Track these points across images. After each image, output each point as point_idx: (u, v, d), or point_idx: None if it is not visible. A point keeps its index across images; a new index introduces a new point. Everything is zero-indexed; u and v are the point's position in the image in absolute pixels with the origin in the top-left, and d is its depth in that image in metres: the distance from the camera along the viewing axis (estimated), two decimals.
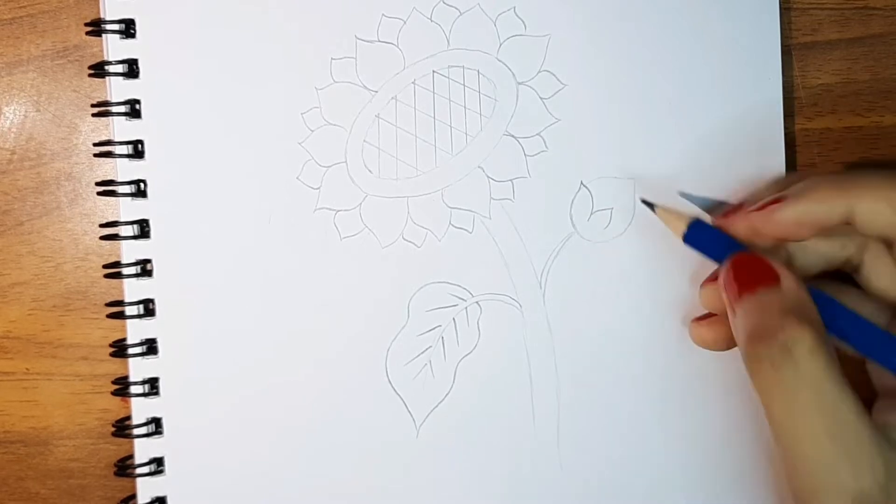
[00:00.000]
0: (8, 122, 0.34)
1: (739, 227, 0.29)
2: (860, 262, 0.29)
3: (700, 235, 0.30)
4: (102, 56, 0.33)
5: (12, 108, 0.34)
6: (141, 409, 0.33)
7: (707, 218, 0.31)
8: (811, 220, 0.27)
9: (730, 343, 0.30)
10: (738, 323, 0.27)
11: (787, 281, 0.26)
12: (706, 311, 0.32)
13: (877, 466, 0.23)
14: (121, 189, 0.33)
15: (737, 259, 0.28)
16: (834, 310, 0.27)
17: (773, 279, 0.26)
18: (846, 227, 0.27)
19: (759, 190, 0.31)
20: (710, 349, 0.32)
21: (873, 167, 0.29)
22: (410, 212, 0.33)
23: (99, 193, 0.33)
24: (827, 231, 0.28)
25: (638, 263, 0.33)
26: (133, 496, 0.33)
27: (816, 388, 0.24)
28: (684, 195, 0.32)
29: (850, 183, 0.27)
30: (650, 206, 0.32)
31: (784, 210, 0.27)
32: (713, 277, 0.31)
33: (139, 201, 0.33)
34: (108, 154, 0.33)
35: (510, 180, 0.33)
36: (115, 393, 0.33)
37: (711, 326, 0.31)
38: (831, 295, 0.28)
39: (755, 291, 0.26)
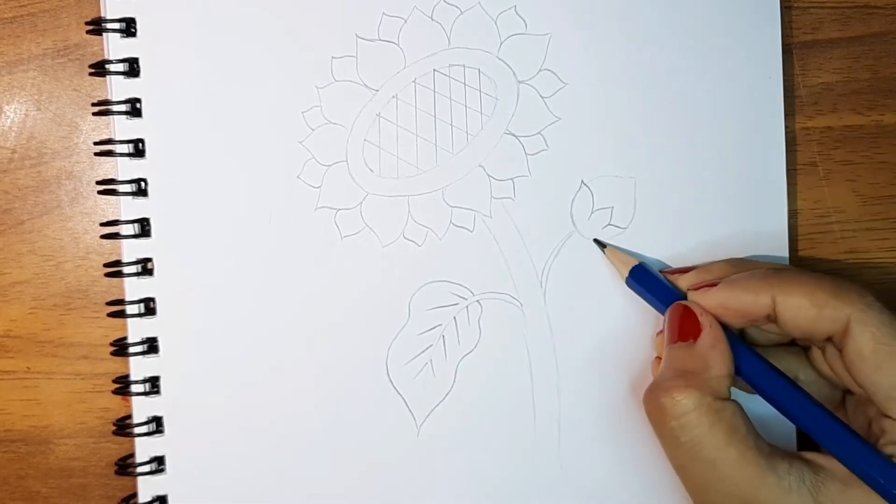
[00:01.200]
0: (9, 120, 0.34)
1: (683, 283, 0.31)
2: (808, 347, 0.31)
3: (642, 281, 0.31)
4: (103, 55, 0.33)
5: (13, 106, 0.34)
6: (142, 408, 0.33)
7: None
8: (735, 307, 0.29)
9: None
10: (657, 370, 0.29)
11: (704, 338, 0.28)
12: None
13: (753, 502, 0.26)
14: (121, 188, 0.33)
15: (674, 306, 0.30)
16: (757, 368, 0.29)
17: (693, 332, 0.29)
18: (770, 324, 0.29)
19: (711, 263, 0.31)
20: None
21: (799, 268, 0.31)
22: (411, 210, 0.33)
23: (100, 192, 0.33)
24: (755, 322, 0.29)
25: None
26: (134, 495, 0.33)
27: (692, 445, 0.27)
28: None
29: (779, 277, 0.28)
30: (601, 245, 0.33)
31: (712, 294, 0.29)
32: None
33: (140, 200, 0.33)
34: (109, 153, 0.33)
35: (511, 179, 0.33)
36: (115, 392, 0.33)
37: None
38: (794, 363, 0.30)
39: (676, 342, 0.29)
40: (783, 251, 0.33)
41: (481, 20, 0.33)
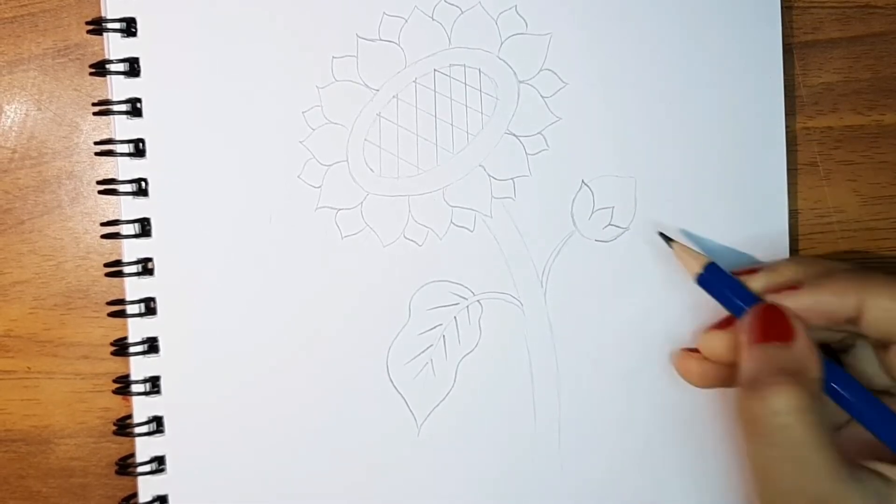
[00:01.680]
0: (9, 120, 0.34)
1: (756, 284, 0.30)
2: (851, 346, 0.31)
3: (713, 279, 0.30)
4: (103, 55, 0.33)
5: (13, 106, 0.34)
6: (142, 408, 0.33)
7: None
8: (823, 309, 0.28)
9: (711, 383, 0.32)
10: (744, 367, 0.28)
11: (800, 341, 0.28)
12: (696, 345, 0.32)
13: None
14: (122, 188, 0.33)
15: (764, 308, 0.29)
16: (841, 378, 0.28)
17: (788, 336, 0.28)
18: (849, 324, 0.29)
19: (778, 262, 0.31)
20: (690, 381, 0.32)
21: (877, 272, 0.30)
22: (412, 210, 0.33)
23: (100, 192, 0.33)
24: (836, 324, 0.29)
25: (639, 261, 0.33)
26: (134, 495, 0.33)
27: (792, 446, 0.26)
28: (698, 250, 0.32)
29: (866, 280, 0.28)
30: (668, 241, 0.32)
31: (800, 297, 0.29)
32: (719, 325, 0.31)
33: (140, 200, 0.33)
34: (110, 153, 0.33)
35: (511, 179, 0.33)
36: (116, 391, 0.33)
37: (700, 362, 0.32)
38: (851, 357, 0.30)
39: (768, 342, 0.28)
40: (784, 251, 0.33)
41: (482, 20, 0.33)
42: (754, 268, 0.31)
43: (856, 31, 0.34)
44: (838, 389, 0.28)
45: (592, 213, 0.33)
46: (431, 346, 0.33)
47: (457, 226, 0.33)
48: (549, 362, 0.33)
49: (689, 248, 0.32)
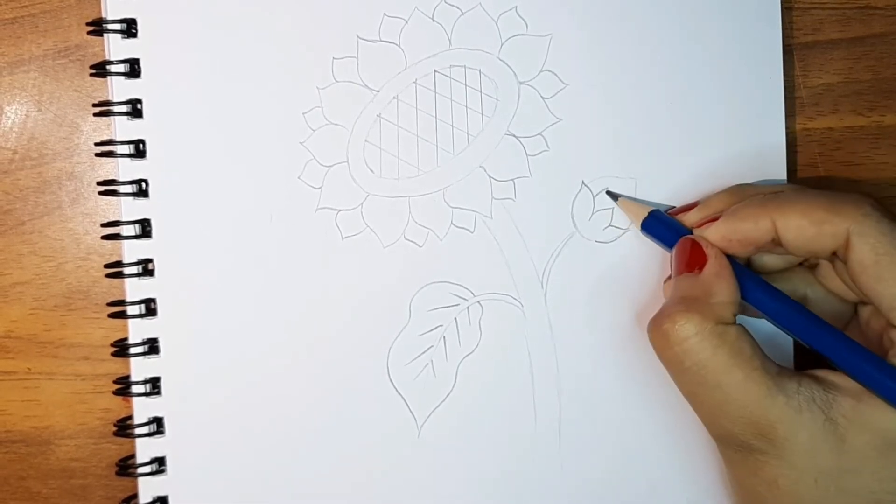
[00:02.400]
0: (9, 121, 0.34)
1: (690, 219, 0.31)
2: (816, 265, 0.31)
3: (657, 225, 0.31)
4: (104, 56, 0.33)
5: (14, 107, 0.34)
6: (142, 409, 0.33)
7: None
8: (739, 236, 0.29)
9: None
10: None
11: (709, 267, 0.29)
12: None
13: (760, 422, 0.27)
14: (122, 189, 0.33)
15: (681, 241, 0.30)
16: (764, 292, 0.29)
17: (699, 262, 0.29)
18: (777, 247, 0.29)
19: (713, 195, 0.31)
20: None
21: (796, 187, 0.31)
22: (412, 211, 0.33)
23: (100, 193, 0.33)
24: (762, 248, 0.29)
25: (639, 263, 0.33)
26: (134, 496, 0.33)
27: (697, 369, 0.27)
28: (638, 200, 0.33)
29: (776, 202, 0.28)
30: (613, 197, 0.33)
31: (715, 228, 0.29)
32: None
33: (140, 201, 0.33)
34: (110, 154, 0.33)
35: (511, 180, 0.33)
36: (116, 392, 0.33)
37: None
38: (801, 283, 0.31)
39: (682, 273, 0.29)
40: None
41: (482, 21, 0.33)
42: (691, 204, 0.32)
43: (856, 32, 0.34)
44: (761, 305, 0.29)
45: (593, 214, 0.33)
46: (432, 346, 0.33)
47: (457, 227, 0.33)
48: (549, 363, 0.33)
49: (633, 200, 0.33)
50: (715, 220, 0.30)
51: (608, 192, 0.33)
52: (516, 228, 0.33)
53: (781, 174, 0.33)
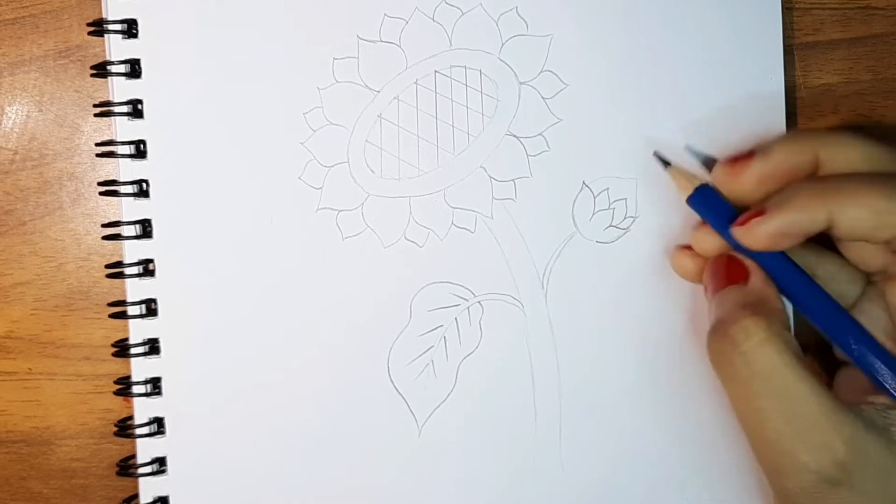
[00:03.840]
0: (10, 122, 0.34)
1: (749, 177, 0.29)
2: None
3: (704, 200, 0.31)
4: (105, 56, 0.33)
5: (15, 108, 0.34)
6: (143, 409, 0.33)
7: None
8: (794, 231, 0.27)
9: (703, 278, 0.31)
10: (710, 316, 0.29)
11: (755, 278, 0.28)
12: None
13: (835, 445, 0.25)
14: (123, 189, 0.33)
15: (716, 259, 0.30)
16: (803, 286, 0.29)
17: (741, 276, 0.28)
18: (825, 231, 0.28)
19: (772, 145, 0.29)
20: (685, 277, 0.32)
21: (850, 173, 0.28)
22: (413, 212, 0.33)
23: (101, 193, 0.33)
24: (810, 236, 0.28)
25: (640, 263, 0.33)
26: (135, 496, 0.33)
27: (768, 375, 0.25)
28: (690, 149, 0.32)
29: (832, 190, 0.27)
30: (665, 163, 0.32)
31: (767, 224, 0.27)
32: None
33: (141, 201, 0.33)
34: (111, 154, 0.33)
35: (512, 180, 0.33)
36: (117, 393, 0.33)
37: (693, 258, 0.31)
38: (810, 261, 0.30)
39: (727, 286, 0.28)
40: None
41: (483, 21, 0.33)
42: (746, 154, 0.29)
43: (856, 33, 0.34)
44: (798, 298, 0.28)
45: (593, 214, 0.33)
46: (432, 347, 0.33)
47: (458, 227, 0.33)
48: (549, 363, 0.33)
49: (684, 170, 0.32)
50: (760, 214, 0.28)
51: (656, 155, 0.32)
52: (517, 229, 0.33)
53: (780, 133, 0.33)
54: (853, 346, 0.27)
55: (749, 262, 0.29)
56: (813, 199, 0.27)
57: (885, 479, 0.25)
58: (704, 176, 0.32)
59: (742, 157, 0.29)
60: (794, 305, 0.29)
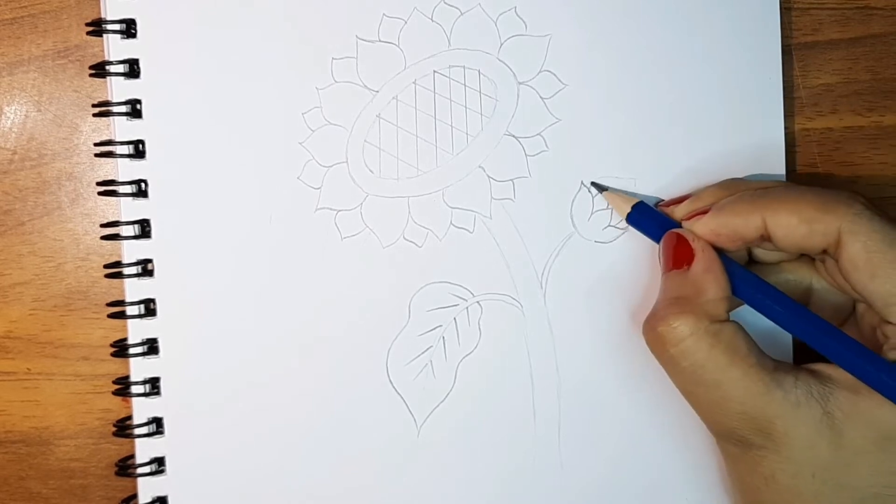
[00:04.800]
0: (9, 122, 0.34)
1: (679, 213, 0.31)
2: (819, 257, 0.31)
3: (642, 217, 0.31)
4: (103, 56, 0.33)
5: (13, 108, 0.34)
6: (142, 409, 0.33)
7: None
8: (728, 231, 0.29)
9: None
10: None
11: (698, 263, 0.29)
12: None
13: (760, 418, 0.27)
14: (122, 189, 0.33)
15: (667, 235, 0.30)
16: (756, 288, 0.29)
17: (687, 258, 0.29)
18: (767, 243, 0.29)
19: (703, 189, 0.31)
20: None
21: (788, 184, 0.31)
22: (411, 212, 0.33)
23: (100, 193, 0.33)
24: (751, 243, 0.29)
25: (638, 263, 0.33)
26: (134, 496, 0.33)
27: (697, 368, 0.27)
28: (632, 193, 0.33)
29: (766, 198, 0.28)
30: (600, 189, 0.33)
31: (704, 222, 0.29)
32: None
33: (140, 201, 0.33)
34: (109, 154, 0.33)
35: (511, 180, 0.33)
36: (116, 393, 0.33)
37: None
38: (804, 275, 0.31)
39: (671, 270, 0.29)
40: None
41: (481, 21, 0.33)
42: (682, 197, 0.32)
43: (855, 33, 0.34)
44: (753, 300, 0.29)
45: (592, 214, 0.33)
46: (431, 347, 0.33)
47: (456, 227, 0.33)
48: (548, 363, 0.33)
49: (619, 192, 0.33)
50: (704, 213, 0.29)
51: (593, 184, 0.33)
52: (515, 229, 0.33)
53: (780, 174, 0.33)
54: (837, 352, 0.27)
55: (697, 244, 0.29)
56: (749, 204, 0.29)
57: (813, 447, 0.26)
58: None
59: (697, 212, 0.30)
60: (776, 322, 0.29)
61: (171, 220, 0.33)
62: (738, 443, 0.28)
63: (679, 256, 0.29)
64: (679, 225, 0.31)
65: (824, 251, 0.28)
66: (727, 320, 0.28)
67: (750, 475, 0.28)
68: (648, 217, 0.31)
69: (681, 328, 0.27)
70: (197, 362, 0.33)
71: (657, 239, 0.31)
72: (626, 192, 0.33)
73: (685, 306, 0.28)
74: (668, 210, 0.31)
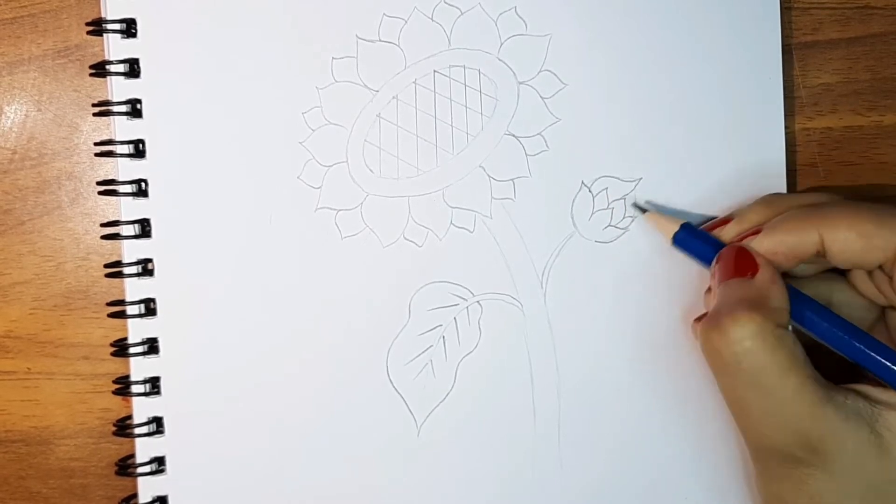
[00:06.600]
0: (9, 121, 0.34)
1: (727, 235, 0.31)
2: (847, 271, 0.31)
3: (689, 238, 0.31)
4: (103, 55, 0.33)
5: (13, 107, 0.34)
6: (142, 409, 0.33)
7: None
8: (784, 250, 0.29)
9: None
10: (710, 304, 0.29)
11: (763, 273, 0.28)
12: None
13: (810, 434, 0.26)
14: (122, 188, 0.33)
15: (727, 249, 0.30)
16: (813, 308, 0.29)
17: (750, 270, 0.29)
18: (820, 258, 0.29)
19: (747, 208, 0.31)
20: None
21: (844, 199, 0.30)
22: (411, 211, 0.33)
23: (100, 193, 0.33)
24: (804, 260, 0.29)
25: (638, 263, 0.33)
26: (134, 495, 0.33)
27: (755, 371, 0.27)
28: (669, 209, 0.33)
29: (821, 215, 0.28)
30: (640, 210, 0.33)
31: (759, 241, 0.29)
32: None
33: (140, 201, 0.33)
34: (109, 153, 0.33)
35: (511, 180, 0.33)
36: (116, 392, 0.33)
37: None
38: (825, 288, 0.31)
39: (733, 277, 0.29)
40: None
41: (481, 21, 0.33)
42: (726, 217, 0.31)
43: (855, 32, 0.34)
44: (812, 318, 0.29)
45: (592, 213, 0.33)
46: (431, 346, 0.33)
47: (457, 227, 0.33)
48: (548, 363, 0.33)
49: (662, 213, 0.32)
50: (756, 232, 0.29)
51: (634, 205, 0.33)
52: (516, 228, 0.33)
53: (781, 174, 0.33)
54: (865, 354, 0.28)
55: (760, 258, 0.29)
56: (804, 221, 0.28)
57: (861, 466, 0.26)
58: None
59: (748, 233, 0.30)
60: (829, 342, 0.29)
61: (171, 220, 0.33)
62: (783, 461, 0.27)
63: (742, 267, 0.29)
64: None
65: (880, 266, 0.28)
66: (789, 330, 0.28)
67: (793, 494, 0.27)
68: (697, 238, 0.31)
69: (749, 325, 0.26)
70: (197, 362, 0.33)
71: (706, 260, 0.31)
72: (666, 211, 0.33)
73: (754, 306, 0.27)
74: (716, 232, 0.31)
